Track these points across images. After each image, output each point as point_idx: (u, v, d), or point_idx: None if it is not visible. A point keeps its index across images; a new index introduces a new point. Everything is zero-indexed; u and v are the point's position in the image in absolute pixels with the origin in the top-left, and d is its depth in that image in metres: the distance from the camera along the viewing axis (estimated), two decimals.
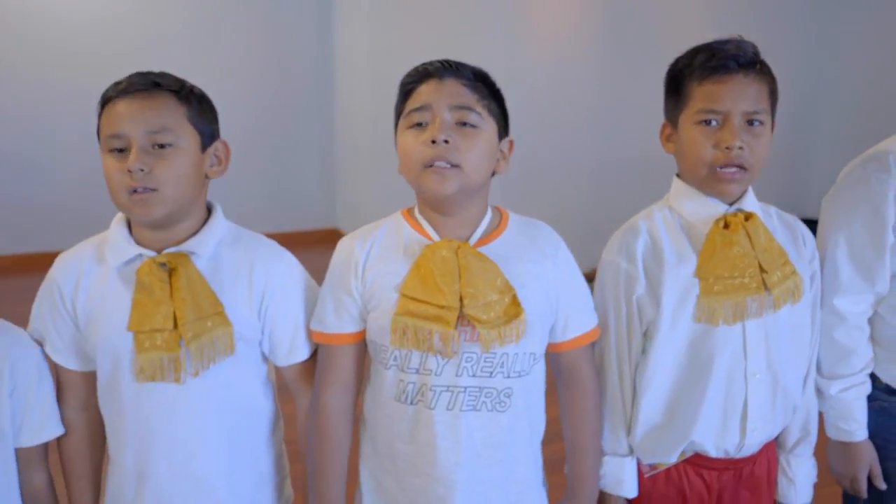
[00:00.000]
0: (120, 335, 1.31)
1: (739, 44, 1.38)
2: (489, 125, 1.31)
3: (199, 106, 1.36)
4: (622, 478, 1.45)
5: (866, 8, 4.99)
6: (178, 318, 1.29)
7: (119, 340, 1.32)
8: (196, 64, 5.44)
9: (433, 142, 1.25)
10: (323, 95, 5.92)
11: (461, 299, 1.27)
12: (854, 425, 1.53)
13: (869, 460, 1.55)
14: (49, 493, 1.42)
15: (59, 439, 1.42)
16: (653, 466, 1.47)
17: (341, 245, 1.38)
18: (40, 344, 1.39)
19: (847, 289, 1.51)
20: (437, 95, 1.28)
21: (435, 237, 1.32)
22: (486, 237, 1.34)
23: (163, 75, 1.35)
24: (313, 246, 5.41)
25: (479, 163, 1.29)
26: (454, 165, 1.26)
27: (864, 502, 1.60)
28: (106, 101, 1.32)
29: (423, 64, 1.33)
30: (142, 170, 1.26)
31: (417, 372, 1.30)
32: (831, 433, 1.56)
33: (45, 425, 1.38)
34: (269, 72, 5.77)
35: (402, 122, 1.32)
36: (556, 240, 1.40)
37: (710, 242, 1.39)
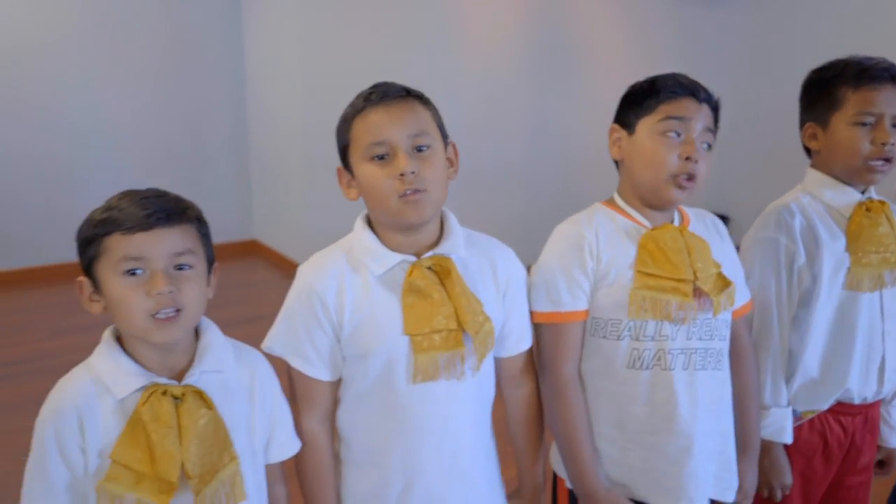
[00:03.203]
0: (394, 339, 1.35)
1: (883, 59, 1.67)
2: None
3: (435, 110, 1.43)
4: (784, 426, 1.68)
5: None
6: (459, 318, 1.35)
7: (394, 345, 1.35)
8: (103, 71, 5.18)
9: (690, 155, 1.46)
10: (237, 105, 5.79)
11: (694, 273, 1.46)
12: None
13: None
14: None
15: (300, 455, 1.40)
16: (798, 417, 1.72)
17: (565, 231, 1.53)
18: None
19: None
20: (696, 115, 1.47)
21: (647, 224, 1.51)
22: (683, 224, 1.55)
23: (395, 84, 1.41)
24: (230, 258, 5.25)
25: (707, 171, 1.50)
26: (691, 178, 1.47)
27: None
28: (356, 113, 1.37)
29: (684, 82, 1.50)
30: (413, 172, 1.32)
31: (653, 339, 1.47)
32: None
33: (290, 440, 1.38)
34: (180, 80, 5.54)
35: (650, 119, 1.49)
36: (721, 223, 1.63)
37: (857, 224, 1.66)
